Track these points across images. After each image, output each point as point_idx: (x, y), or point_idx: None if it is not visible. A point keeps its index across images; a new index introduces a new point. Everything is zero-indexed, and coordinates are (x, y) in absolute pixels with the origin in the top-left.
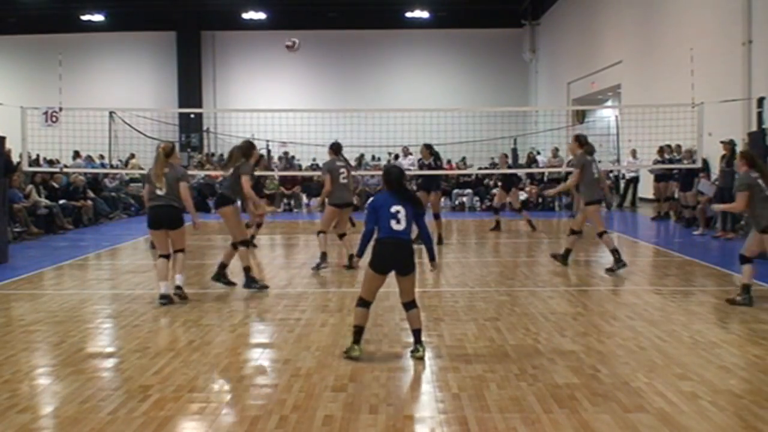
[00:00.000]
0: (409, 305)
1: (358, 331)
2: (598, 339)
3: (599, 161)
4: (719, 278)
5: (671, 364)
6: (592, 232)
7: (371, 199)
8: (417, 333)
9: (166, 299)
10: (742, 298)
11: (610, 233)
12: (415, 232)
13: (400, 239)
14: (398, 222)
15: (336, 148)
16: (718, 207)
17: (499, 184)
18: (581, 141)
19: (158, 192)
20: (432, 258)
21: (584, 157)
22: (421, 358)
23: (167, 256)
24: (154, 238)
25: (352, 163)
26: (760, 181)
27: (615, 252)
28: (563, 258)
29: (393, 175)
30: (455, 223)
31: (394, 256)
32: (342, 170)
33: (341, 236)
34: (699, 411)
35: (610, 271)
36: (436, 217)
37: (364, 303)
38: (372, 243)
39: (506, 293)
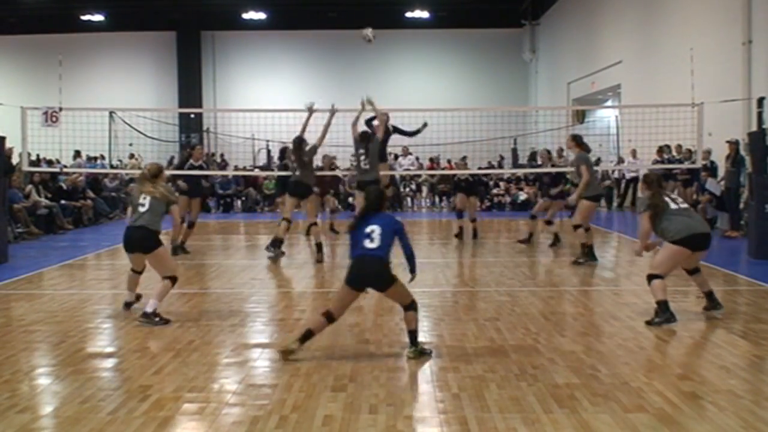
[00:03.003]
0: (406, 307)
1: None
2: (598, 339)
3: (600, 161)
4: (719, 278)
5: (671, 364)
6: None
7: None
8: (411, 334)
9: (128, 307)
10: (660, 320)
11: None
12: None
13: (374, 256)
14: (371, 240)
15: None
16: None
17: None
18: (578, 140)
19: (140, 209)
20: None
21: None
22: (412, 358)
23: (139, 272)
24: (133, 264)
25: (353, 163)
26: (665, 198)
27: (586, 246)
28: (589, 255)
29: (372, 195)
30: (455, 223)
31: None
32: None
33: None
34: (699, 411)
35: (576, 263)
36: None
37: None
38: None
39: (506, 293)
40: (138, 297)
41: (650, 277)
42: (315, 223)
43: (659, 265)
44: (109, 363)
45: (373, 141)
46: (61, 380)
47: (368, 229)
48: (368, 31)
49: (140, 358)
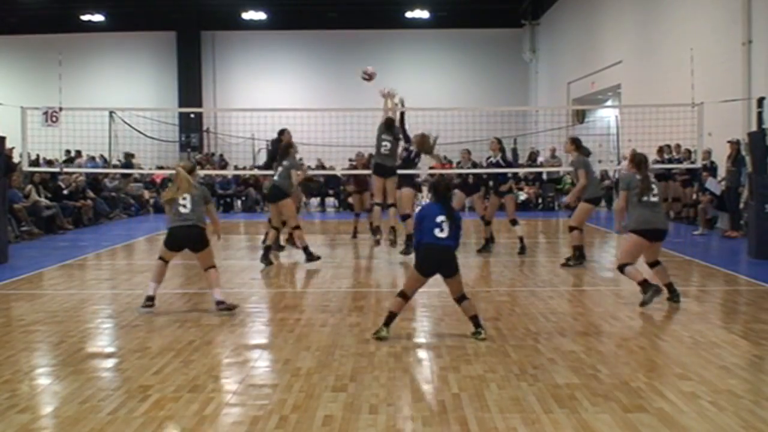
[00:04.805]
0: (460, 299)
1: (392, 317)
2: (598, 339)
3: (599, 161)
4: (719, 278)
5: (671, 364)
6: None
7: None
8: (474, 318)
9: (150, 301)
10: (648, 296)
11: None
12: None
13: (444, 246)
14: (441, 230)
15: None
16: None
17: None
18: (578, 144)
19: (182, 210)
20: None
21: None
22: (484, 339)
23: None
24: (167, 255)
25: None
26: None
27: (577, 249)
28: (579, 257)
29: (441, 187)
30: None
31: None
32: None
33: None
34: (699, 411)
35: (566, 265)
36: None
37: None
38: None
39: (506, 293)
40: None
41: (621, 267)
42: (298, 227)
43: (625, 255)
44: (109, 363)
45: (395, 130)
46: (61, 380)
47: (438, 219)
48: (368, 69)
49: (140, 358)
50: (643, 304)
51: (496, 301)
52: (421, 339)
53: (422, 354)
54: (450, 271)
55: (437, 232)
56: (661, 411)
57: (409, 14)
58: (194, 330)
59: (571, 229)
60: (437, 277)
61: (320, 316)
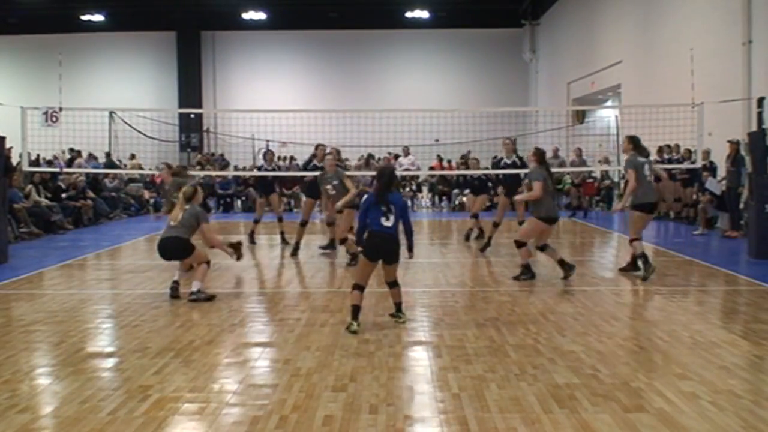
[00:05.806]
0: (391, 284)
1: (356, 310)
2: (598, 339)
3: (599, 161)
4: (719, 278)
5: (671, 364)
6: (590, 233)
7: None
8: (398, 305)
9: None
10: (526, 276)
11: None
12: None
13: (390, 234)
14: (387, 219)
15: None
16: (519, 197)
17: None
18: (635, 142)
19: (172, 223)
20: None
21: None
22: (404, 322)
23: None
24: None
25: (357, 162)
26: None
27: (642, 257)
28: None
29: (386, 176)
30: (455, 223)
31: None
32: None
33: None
34: (699, 411)
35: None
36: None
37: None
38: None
39: (506, 293)
40: (177, 285)
41: (518, 244)
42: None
43: (526, 235)
44: (109, 363)
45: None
46: (61, 380)
47: (384, 208)
48: None
49: (140, 358)
50: (516, 279)
51: (496, 301)
52: (421, 339)
53: (422, 354)
54: (393, 258)
55: (383, 221)
56: (661, 411)
57: (409, 14)
58: (194, 330)
59: (632, 241)
60: (439, 278)
61: (320, 316)
